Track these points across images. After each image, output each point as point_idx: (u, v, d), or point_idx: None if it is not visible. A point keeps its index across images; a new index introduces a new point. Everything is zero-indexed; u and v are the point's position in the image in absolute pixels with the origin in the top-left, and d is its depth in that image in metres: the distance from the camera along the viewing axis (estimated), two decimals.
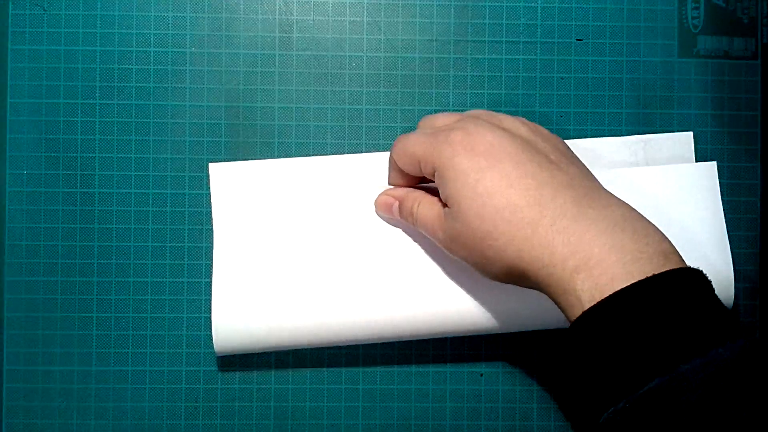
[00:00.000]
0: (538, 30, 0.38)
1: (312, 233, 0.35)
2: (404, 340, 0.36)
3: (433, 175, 0.30)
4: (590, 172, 0.31)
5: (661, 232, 0.27)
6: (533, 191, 0.28)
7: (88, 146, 0.37)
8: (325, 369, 0.37)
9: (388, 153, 0.34)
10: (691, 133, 0.37)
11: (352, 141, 0.37)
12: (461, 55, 0.38)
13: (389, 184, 0.35)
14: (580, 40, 0.38)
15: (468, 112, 0.33)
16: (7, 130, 0.37)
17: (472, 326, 0.34)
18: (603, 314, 0.25)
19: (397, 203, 0.34)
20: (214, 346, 0.34)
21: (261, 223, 0.35)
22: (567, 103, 0.37)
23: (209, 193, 0.36)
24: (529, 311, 0.34)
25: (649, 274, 0.25)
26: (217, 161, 0.37)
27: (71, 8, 0.37)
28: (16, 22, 0.37)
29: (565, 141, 0.32)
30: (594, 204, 0.27)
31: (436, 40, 0.37)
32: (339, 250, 0.35)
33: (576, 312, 0.26)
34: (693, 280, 0.25)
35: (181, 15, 0.37)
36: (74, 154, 0.37)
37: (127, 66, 0.37)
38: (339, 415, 0.37)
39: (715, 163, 0.36)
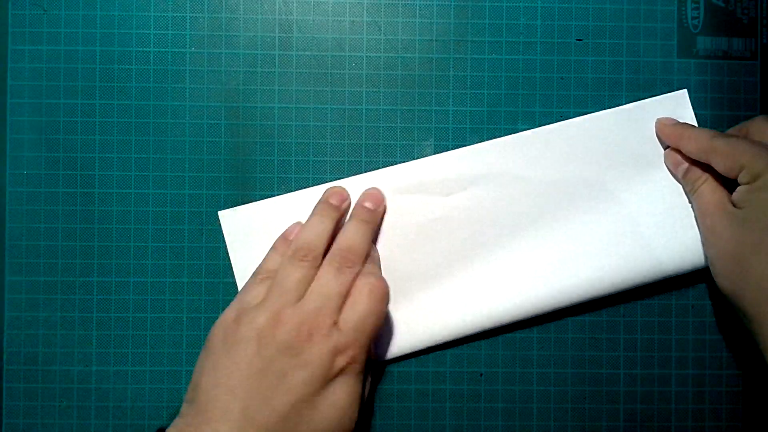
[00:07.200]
0: (538, 30, 0.38)
1: None
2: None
3: (737, 177, 0.32)
4: None
5: None
6: None
7: (88, 146, 0.37)
8: None
9: (378, 173, 0.36)
10: (685, 91, 0.37)
11: (351, 141, 0.37)
12: (461, 55, 0.38)
13: (665, 140, 0.36)
14: (580, 40, 0.38)
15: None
16: (8, 130, 0.37)
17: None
18: None
19: (685, 165, 0.35)
20: None
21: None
22: (567, 103, 0.37)
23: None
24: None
25: None
26: (216, 161, 0.37)
27: (71, 8, 0.37)
28: (16, 22, 0.37)
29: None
30: None
31: (436, 40, 0.37)
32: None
33: None
34: None
35: (181, 15, 0.37)
36: (74, 155, 0.37)
37: (126, 66, 0.37)
38: None
39: (685, 90, 0.37)
